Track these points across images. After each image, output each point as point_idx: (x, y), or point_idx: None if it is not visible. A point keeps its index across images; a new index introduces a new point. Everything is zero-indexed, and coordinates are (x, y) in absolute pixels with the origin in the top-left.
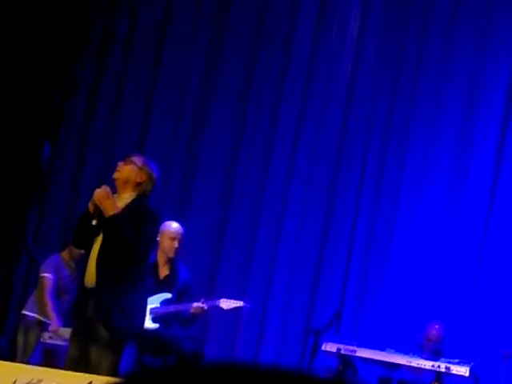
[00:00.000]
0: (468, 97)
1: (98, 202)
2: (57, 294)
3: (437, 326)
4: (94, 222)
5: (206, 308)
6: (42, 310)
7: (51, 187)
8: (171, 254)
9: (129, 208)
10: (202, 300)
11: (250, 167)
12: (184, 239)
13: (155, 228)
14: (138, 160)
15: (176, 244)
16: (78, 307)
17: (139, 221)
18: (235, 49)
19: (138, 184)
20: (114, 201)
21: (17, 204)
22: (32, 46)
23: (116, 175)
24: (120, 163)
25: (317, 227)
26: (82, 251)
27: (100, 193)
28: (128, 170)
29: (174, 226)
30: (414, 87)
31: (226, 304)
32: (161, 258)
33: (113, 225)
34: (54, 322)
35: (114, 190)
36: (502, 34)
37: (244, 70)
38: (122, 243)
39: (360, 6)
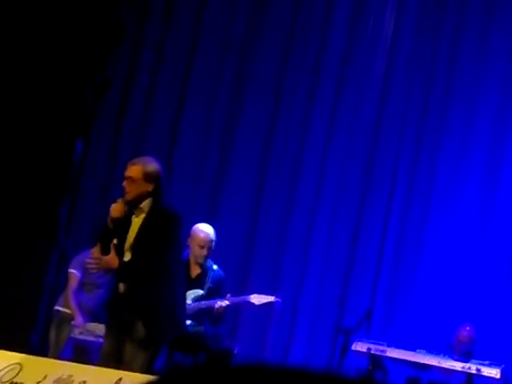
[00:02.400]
0: (502, 100)
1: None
2: (86, 289)
3: (468, 328)
4: (115, 241)
5: (226, 305)
6: (67, 305)
7: (83, 184)
8: (200, 260)
9: (150, 215)
10: (228, 296)
11: (282, 163)
12: (216, 238)
13: (178, 228)
14: (137, 172)
15: (205, 252)
16: (113, 305)
17: (162, 227)
18: (267, 49)
19: (150, 192)
20: (110, 256)
21: (49, 201)
22: (66, 43)
23: (128, 197)
24: (124, 184)
25: (348, 225)
26: None
27: (116, 208)
28: (136, 188)
29: (204, 232)
30: (448, 90)
31: (257, 299)
32: (192, 258)
33: (127, 272)
34: (77, 318)
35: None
36: None
37: (276, 72)
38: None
39: (394, 7)
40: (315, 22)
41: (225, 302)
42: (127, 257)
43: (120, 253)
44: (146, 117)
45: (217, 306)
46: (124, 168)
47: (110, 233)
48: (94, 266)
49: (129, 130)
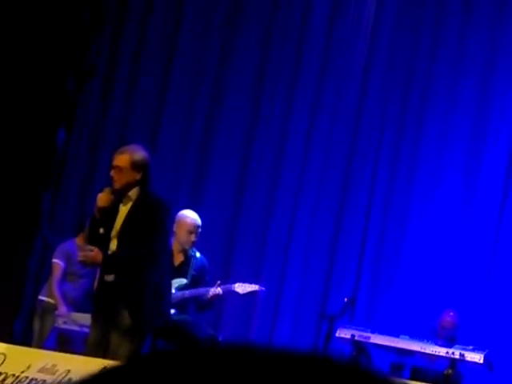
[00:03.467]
0: (482, 90)
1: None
2: (69, 279)
3: (451, 313)
4: (101, 231)
5: (221, 293)
6: (51, 295)
7: (66, 173)
8: (187, 246)
9: (137, 203)
10: (218, 282)
11: (265, 151)
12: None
13: (166, 217)
14: (124, 161)
15: (193, 238)
16: (99, 296)
17: (149, 215)
18: (248, 39)
19: (138, 180)
20: (94, 252)
21: (31, 189)
22: (46, 31)
23: (116, 186)
24: (111, 173)
25: (331, 213)
26: None
27: (102, 197)
28: (123, 177)
29: (191, 218)
30: (429, 79)
31: (242, 288)
32: (176, 246)
33: (112, 264)
34: (60, 308)
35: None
36: None
37: (257, 61)
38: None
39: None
40: (295, 15)
41: (218, 290)
42: (113, 244)
43: (106, 241)
44: (129, 105)
45: (210, 293)
46: (108, 157)
47: (97, 222)
48: (82, 258)
49: (111, 118)
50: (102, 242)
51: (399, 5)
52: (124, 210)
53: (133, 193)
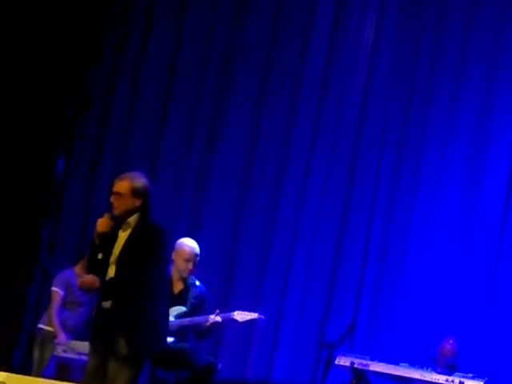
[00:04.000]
0: (484, 99)
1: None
2: (69, 307)
3: (451, 341)
4: (99, 256)
5: (220, 321)
6: (50, 323)
7: (65, 202)
8: (185, 274)
9: (136, 230)
10: (217, 311)
11: (263, 179)
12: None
13: (165, 245)
14: (125, 187)
15: (190, 266)
16: (97, 323)
17: (148, 242)
18: (249, 59)
19: (138, 207)
20: (91, 277)
21: (31, 218)
22: (45, 61)
23: (116, 212)
24: (112, 199)
25: (331, 240)
26: None
27: (102, 223)
28: (124, 203)
29: (189, 247)
30: (429, 96)
31: (241, 316)
32: (175, 274)
33: (109, 290)
34: (59, 336)
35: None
36: None
37: (258, 82)
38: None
39: (375, 15)
40: (297, 28)
41: (217, 318)
42: (112, 270)
43: (105, 267)
44: (128, 133)
45: (209, 321)
46: (107, 185)
47: (96, 248)
48: (79, 283)
49: (110, 147)
50: (101, 268)
51: (400, 20)
52: (123, 236)
53: (132, 219)
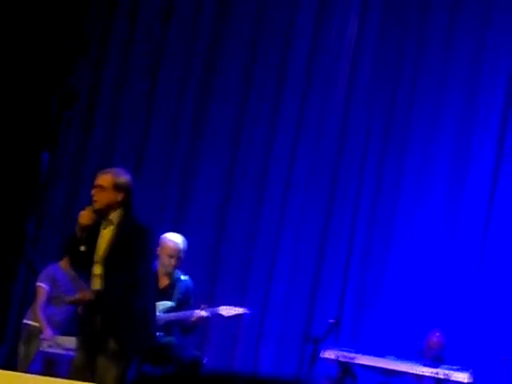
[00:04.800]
0: (467, 99)
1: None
2: (54, 302)
3: (437, 334)
4: (82, 248)
5: (206, 316)
6: (35, 319)
7: (50, 196)
8: (169, 270)
9: (120, 228)
10: (202, 306)
11: (247, 174)
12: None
13: (150, 241)
14: (107, 181)
15: (173, 262)
16: (84, 319)
17: (134, 241)
18: (234, 50)
19: (120, 202)
20: (81, 295)
21: (15, 213)
22: (30, 55)
23: (96, 206)
24: (93, 192)
25: (315, 235)
26: None
27: (84, 215)
28: (105, 197)
29: (173, 242)
30: (413, 90)
31: (227, 311)
32: (160, 269)
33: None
34: (45, 332)
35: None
36: (500, 37)
37: (242, 73)
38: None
39: (359, 7)
40: (280, 22)
41: (203, 313)
42: (97, 269)
43: (87, 260)
44: (112, 128)
45: (195, 316)
46: (91, 181)
47: (78, 241)
48: (71, 300)
49: (95, 142)
50: (84, 261)
51: (383, 16)
52: (106, 233)
53: (114, 216)
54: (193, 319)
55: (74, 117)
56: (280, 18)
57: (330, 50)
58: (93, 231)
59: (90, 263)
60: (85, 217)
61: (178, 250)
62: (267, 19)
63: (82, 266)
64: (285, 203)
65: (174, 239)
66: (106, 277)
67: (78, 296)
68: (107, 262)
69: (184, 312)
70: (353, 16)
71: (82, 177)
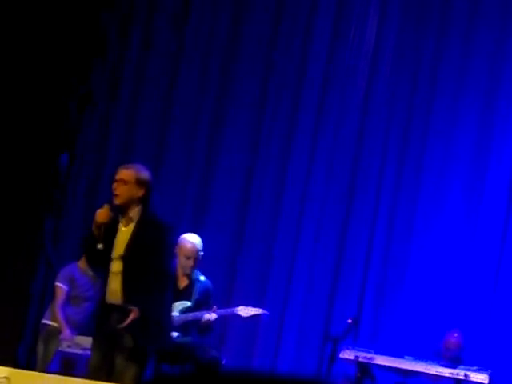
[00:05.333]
0: (486, 99)
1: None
2: (73, 302)
3: (456, 335)
4: (99, 246)
5: (214, 318)
6: (54, 319)
7: (69, 196)
8: (187, 271)
9: (142, 225)
10: (214, 308)
11: (267, 174)
12: (202, 250)
13: (170, 239)
14: (130, 175)
15: (191, 263)
16: (101, 319)
17: (156, 238)
18: (251, 57)
19: (140, 198)
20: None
21: (35, 213)
22: (47, 58)
23: (117, 200)
24: (114, 186)
25: (334, 235)
26: None
27: (102, 213)
28: (127, 191)
29: (191, 243)
30: (431, 96)
31: (245, 311)
32: (179, 270)
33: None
34: (64, 332)
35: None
36: None
37: (259, 84)
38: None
39: (376, 15)
40: (298, 26)
41: (213, 316)
42: (117, 266)
43: (105, 258)
44: (131, 129)
45: (204, 319)
46: (110, 180)
47: (95, 239)
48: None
49: (113, 142)
50: (101, 259)
51: (402, 17)
52: (125, 231)
53: (134, 213)
54: (203, 321)
55: (93, 116)
56: (298, 20)
57: (348, 50)
58: (110, 229)
59: (107, 261)
60: (102, 215)
61: (196, 251)
62: (285, 22)
63: (99, 264)
64: (304, 203)
65: (192, 240)
66: (127, 274)
67: (129, 319)
68: (128, 259)
69: (200, 312)
70: (372, 16)
71: (101, 175)
